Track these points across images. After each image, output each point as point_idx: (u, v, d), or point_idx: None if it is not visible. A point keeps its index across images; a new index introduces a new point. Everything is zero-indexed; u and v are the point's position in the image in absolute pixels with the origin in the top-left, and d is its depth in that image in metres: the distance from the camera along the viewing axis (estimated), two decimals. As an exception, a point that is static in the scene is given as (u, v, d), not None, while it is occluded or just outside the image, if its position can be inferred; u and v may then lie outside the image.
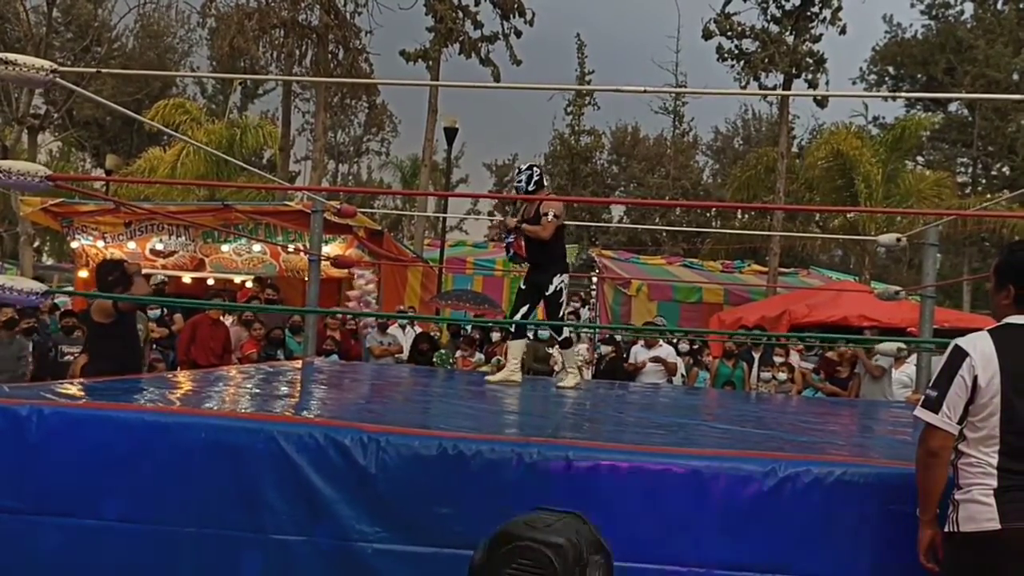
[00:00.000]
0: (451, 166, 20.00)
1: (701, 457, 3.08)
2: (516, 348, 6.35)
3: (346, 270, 12.16)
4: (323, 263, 8.28)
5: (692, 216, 34.82)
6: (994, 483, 2.53)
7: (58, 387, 3.90)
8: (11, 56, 3.61)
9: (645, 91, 4.33)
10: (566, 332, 6.49)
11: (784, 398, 8.07)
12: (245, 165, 11.08)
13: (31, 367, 7.47)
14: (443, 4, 18.42)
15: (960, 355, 2.59)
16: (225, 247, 13.37)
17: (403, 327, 11.17)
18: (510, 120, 59.42)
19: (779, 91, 17.54)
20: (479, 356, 10.33)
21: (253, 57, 19.36)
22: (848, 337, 9.88)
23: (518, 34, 19.36)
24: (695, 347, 10.88)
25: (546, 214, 5.88)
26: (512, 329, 6.57)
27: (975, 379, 2.54)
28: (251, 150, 23.65)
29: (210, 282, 13.72)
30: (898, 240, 6.66)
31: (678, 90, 32.03)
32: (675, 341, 10.56)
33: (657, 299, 18.10)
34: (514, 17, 19.18)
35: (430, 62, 18.55)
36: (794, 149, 24.07)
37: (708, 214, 35.18)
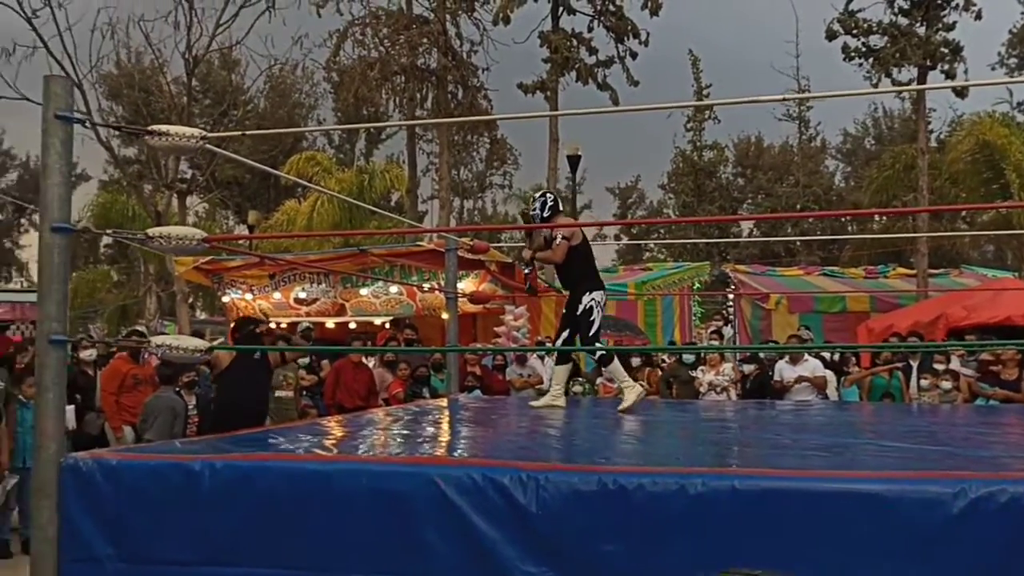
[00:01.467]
0: (574, 192, 20.01)
1: (879, 480, 2.89)
2: (561, 374, 6.35)
3: (481, 305, 12.28)
4: (459, 299, 8.37)
5: (827, 223, 33.61)
6: None
7: (225, 440, 4.05)
8: (163, 127, 3.81)
9: (778, 99, 4.16)
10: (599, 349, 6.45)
11: (952, 408, 7.59)
12: (376, 209, 11.40)
13: (195, 420, 7.82)
14: (557, 35, 18.57)
15: None
16: (364, 291, 13.76)
17: (541, 358, 11.15)
18: (630, 141, 59.10)
19: (911, 86, 16.75)
20: (620, 382, 10.17)
21: (376, 104, 20.04)
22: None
23: (633, 56, 19.28)
24: (836, 358, 10.36)
25: (555, 238, 5.90)
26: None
27: None
28: (379, 194, 24.41)
29: (352, 326, 14.13)
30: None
31: (801, 96, 31.12)
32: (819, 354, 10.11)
33: (798, 311, 17.44)
34: (628, 39, 19.12)
35: (548, 92, 18.69)
36: (931, 144, 22.89)
37: (843, 219, 33.86)
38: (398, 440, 4.39)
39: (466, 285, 12.51)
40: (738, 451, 4.20)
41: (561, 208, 6.32)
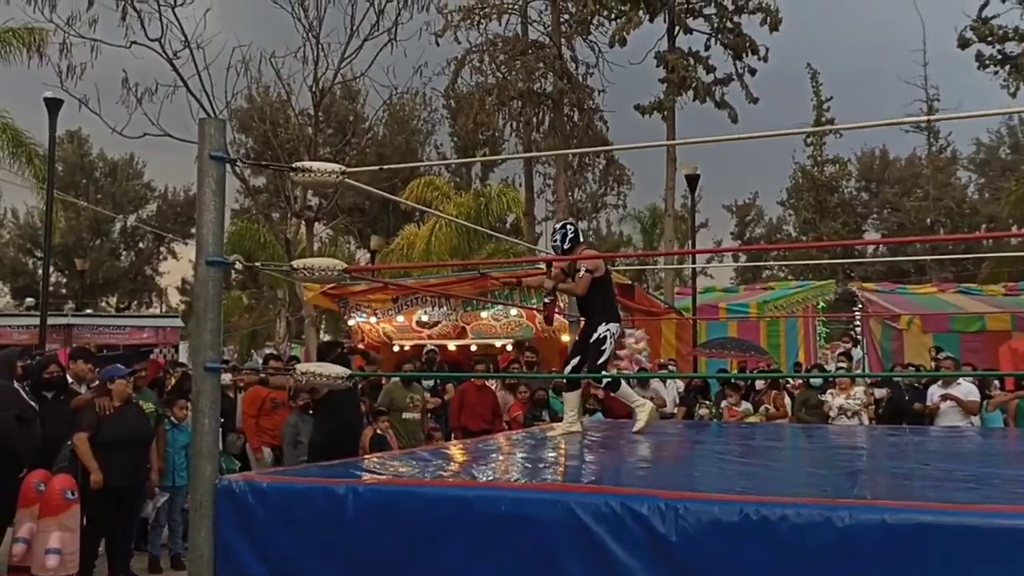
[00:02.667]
0: (694, 212, 19.77)
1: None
2: (572, 400, 6.30)
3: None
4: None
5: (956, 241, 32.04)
6: None
7: (363, 464, 4.17)
8: (306, 163, 3.99)
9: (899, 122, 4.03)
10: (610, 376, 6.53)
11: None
12: (492, 232, 11.54)
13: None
14: (673, 54, 18.45)
15: None
16: (484, 313, 13.92)
17: (664, 381, 11.04)
18: (748, 158, 58.06)
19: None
20: (746, 405, 9.97)
21: (493, 128, 20.34)
22: None
23: (752, 72, 18.96)
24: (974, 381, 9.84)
25: (578, 270, 5.91)
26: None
27: None
28: (496, 216, 24.73)
29: (473, 348, 14.31)
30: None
31: (928, 119, 29.81)
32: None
33: (932, 331, 16.67)
34: (747, 56, 18.82)
35: (665, 112, 18.57)
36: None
37: (979, 233, 32.23)
38: (530, 465, 4.42)
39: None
40: (885, 482, 4.04)
41: (582, 239, 6.34)
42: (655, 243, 37.25)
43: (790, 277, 34.51)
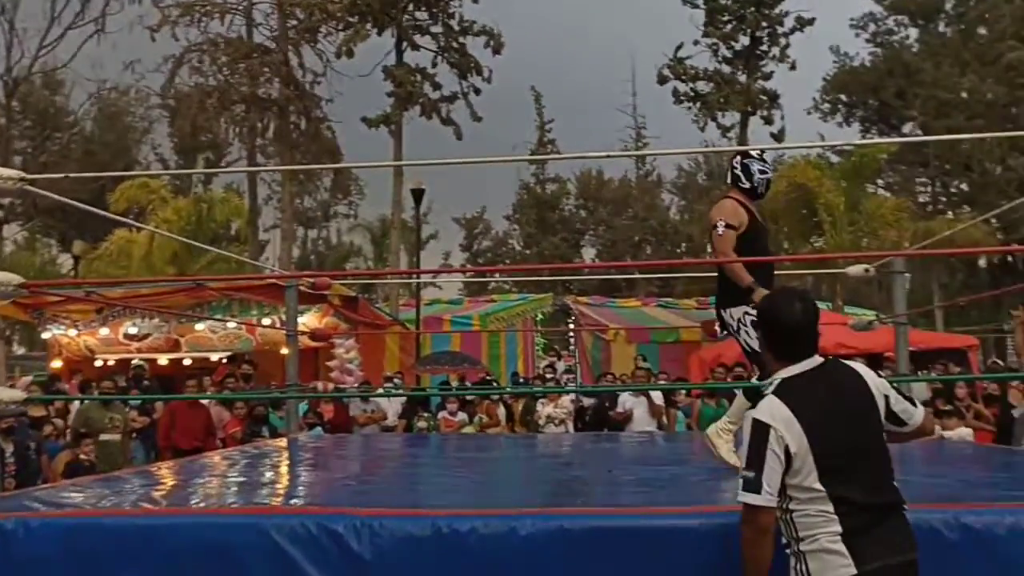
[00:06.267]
0: (419, 224, 20.09)
1: (719, 514, 3.04)
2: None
3: (325, 341, 12.12)
4: (300, 336, 8.25)
5: (664, 256, 35.09)
6: (839, 528, 2.49)
7: (42, 494, 3.83)
8: (-23, 168, 3.63)
9: (608, 156, 4.41)
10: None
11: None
12: (209, 248, 11.05)
13: (12, 468, 7.32)
14: (401, 69, 18.68)
15: (764, 429, 2.53)
16: (200, 325, 13.29)
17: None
18: (476, 174, 59.80)
19: (737, 140, 17.85)
20: (463, 416, 10.28)
21: (215, 132, 19.49)
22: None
23: (477, 92, 19.64)
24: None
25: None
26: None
27: (786, 448, 2.51)
28: (219, 223, 23.68)
29: (187, 362, 13.60)
30: (866, 271, 6.73)
31: (638, 153, 32.48)
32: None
33: (636, 341, 18.12)
34: (472, 75, 19.46)
35: (392, 126, 18.73)
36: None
37: (679, 251, 35.48)
38: (232, 487, 4.28)
39: (308, 319, 12.31)
40: (573, 488, 4.32)
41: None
42: (385, 253, 37.40)
43: (514, 289, 36.03)
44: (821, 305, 20.74)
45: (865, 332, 8.63)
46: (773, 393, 2.62)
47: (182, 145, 27.25)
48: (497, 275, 39.38)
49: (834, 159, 26.93)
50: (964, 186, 31.08)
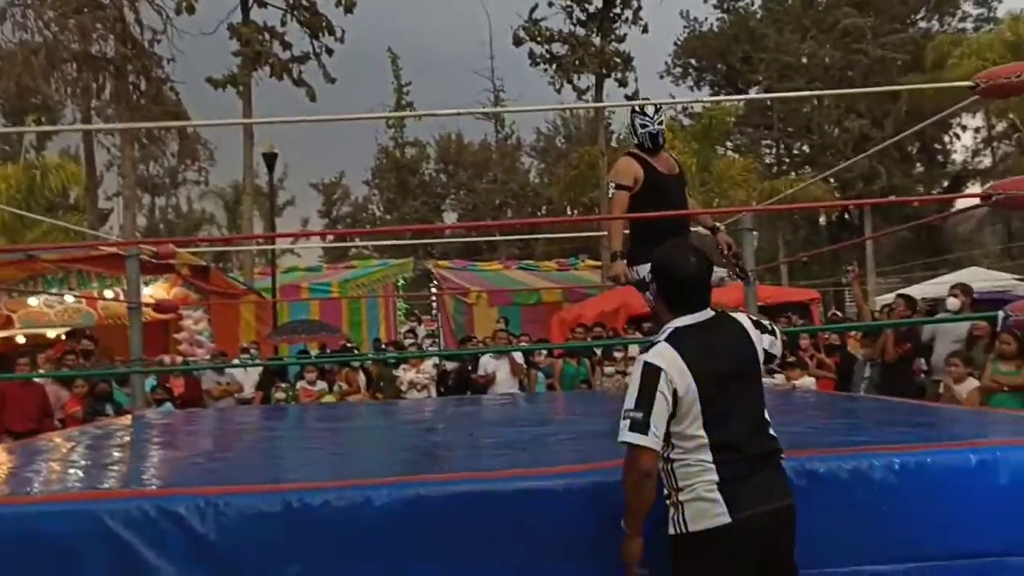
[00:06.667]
0: (273, 190, 19.41)
1: (583, 473, 3.03)
2: None
3: (172, 313, 11.54)
4: (145, 308, 7.80)
5: (524, 218, 35.36)
6: (715, 477, 2.56)
7: None
8: None
9: (459, 113, 4.29)
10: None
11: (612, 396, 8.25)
12: (42, 218, 10.30)
13: None
14: (248, 27, 17.84)
15: (655, 372, 2.57)
16: (33, 300, 12.41)
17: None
18: (332, 138, 58.46)
19: (593, 102, 18.04)
20: (322, 385, 10.02)
21: (44, 94, 18.15)
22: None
23: (329, 52, 19.00)
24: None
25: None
26: None
27: (675, 392, 2.55)
28: (55, 192, 22.20)
29: (20, 340, 12.69)
30: (717, 229, 6.86)
31: (496, 110, 32.45)
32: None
33: (497, 304, 18.20)
34: (323, 35, 18.82)
35: (240, 87, 17.90)
36: (614, 144, 24.85)
37: (539, 214, 35.84)
38: (65, 471, 3.97)
39: (154, 290, 11.71)
40: (435, 455, 4.23)
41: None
42: (239, 220, 36.12)
43: (375, 255, 35.57)
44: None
45: (717, 288, 8.87)
46: (665, 340, 2.65)
47: (8, 107, 25.26)
48: (358, 240, 38.78)
49: (686, 122, 27.81)
50: (805, 148, 32.65)
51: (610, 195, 4.44)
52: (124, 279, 9.88)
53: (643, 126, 4.49)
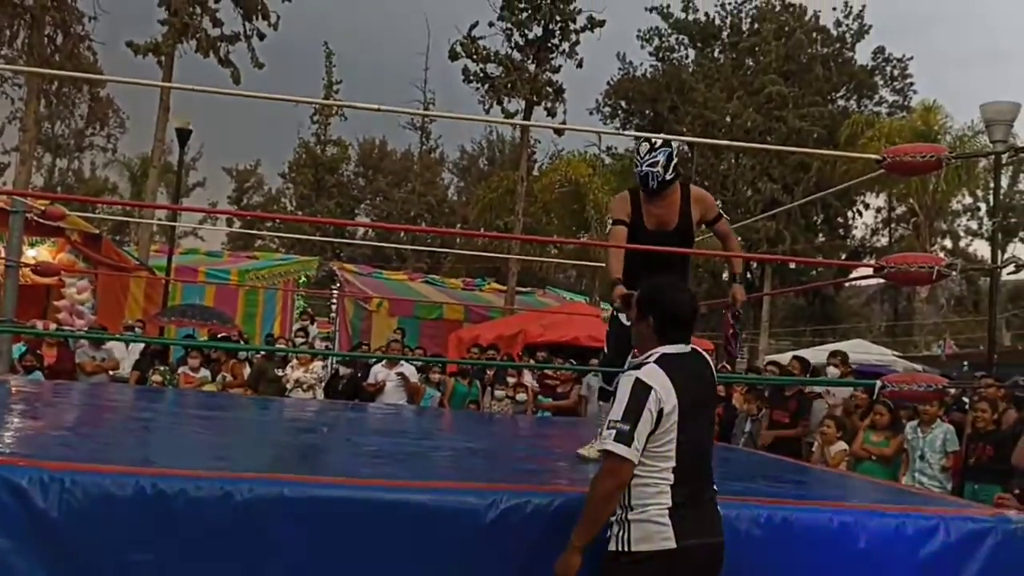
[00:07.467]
0: (183, 168, 18.83)
1: (429, 490, 2.98)
2: None
3: (54, 277, 11.00)
4: (24, 270, 7.40)
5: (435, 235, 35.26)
6: (668, 502, 2.66)
7: None
8: None
9: (380, 110, 4.24)
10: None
11: (517, 419, 8.25)
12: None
13: None
14: (178, -3, 17.32)
15: (646, 389, 2.66)
16: None
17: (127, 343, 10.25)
18: (252, 124, 57.32)
19: (520, 120, 18.17)
20: (204, 373, 9.68)
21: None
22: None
23: (261, 36, 18.58)
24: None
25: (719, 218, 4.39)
26: None
27: (660, 411, 2.65)
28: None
29: None
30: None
31: (420, 113, 32.36)
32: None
33: (398, 315, 18.02)
34: (257, 19, 18.40)
35: (162, 57, 17.31)
36: (535, 173, 25.01)
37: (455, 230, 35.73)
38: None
39: (40, 253, 11.17)
40: (307, 456, 4.11)
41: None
42: (144, 194, 34.89)
43: (281, 250, 34.82)
44: (579, 298, 21.75)
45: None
46: (655, 362, 2.74)
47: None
48: (266, 230, 37.91)
49: (608, 160, 28.24)
50: (720, 203, 33.46)
51: (607, 230, 4.39)
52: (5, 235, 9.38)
53: (635, 166, 4.14)
